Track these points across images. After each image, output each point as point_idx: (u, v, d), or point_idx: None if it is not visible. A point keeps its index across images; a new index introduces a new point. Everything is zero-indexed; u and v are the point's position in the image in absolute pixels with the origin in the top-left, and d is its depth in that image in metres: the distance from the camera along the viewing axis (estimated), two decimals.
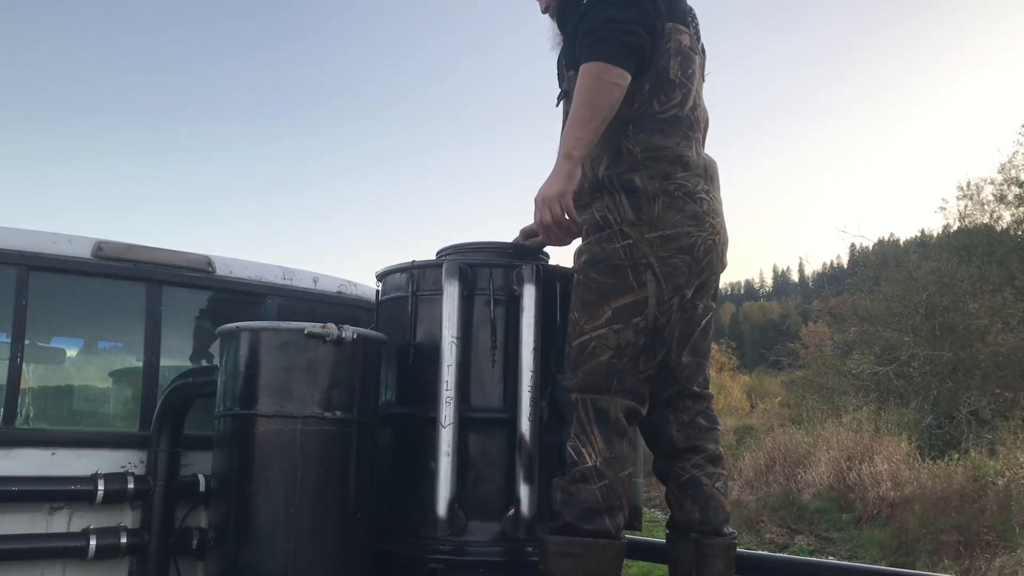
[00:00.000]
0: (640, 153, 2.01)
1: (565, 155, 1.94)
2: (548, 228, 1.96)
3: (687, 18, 2.12)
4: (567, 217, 1.94)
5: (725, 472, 2.14)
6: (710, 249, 2.03)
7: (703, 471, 2.07)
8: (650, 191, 1.98)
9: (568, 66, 2.19)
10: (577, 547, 1.86)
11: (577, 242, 2.10)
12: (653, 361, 2.01)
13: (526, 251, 2.30)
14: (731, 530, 2.08)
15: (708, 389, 2.18)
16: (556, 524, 1.90)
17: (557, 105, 2.29)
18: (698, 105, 2.11)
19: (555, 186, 1.92)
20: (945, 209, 18.59)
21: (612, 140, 2.03)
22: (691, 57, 2.10)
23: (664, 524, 2.16)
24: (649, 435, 2.15)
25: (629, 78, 1.93)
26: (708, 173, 2.07)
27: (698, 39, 2.17)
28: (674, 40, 2.05)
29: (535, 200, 1.96)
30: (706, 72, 2.27)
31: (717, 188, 2.12)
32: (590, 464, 1.91)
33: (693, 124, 2.07)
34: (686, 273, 1.99)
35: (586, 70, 1.92)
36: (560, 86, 2.29)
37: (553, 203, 1.92)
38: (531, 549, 2.06)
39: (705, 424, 2.12)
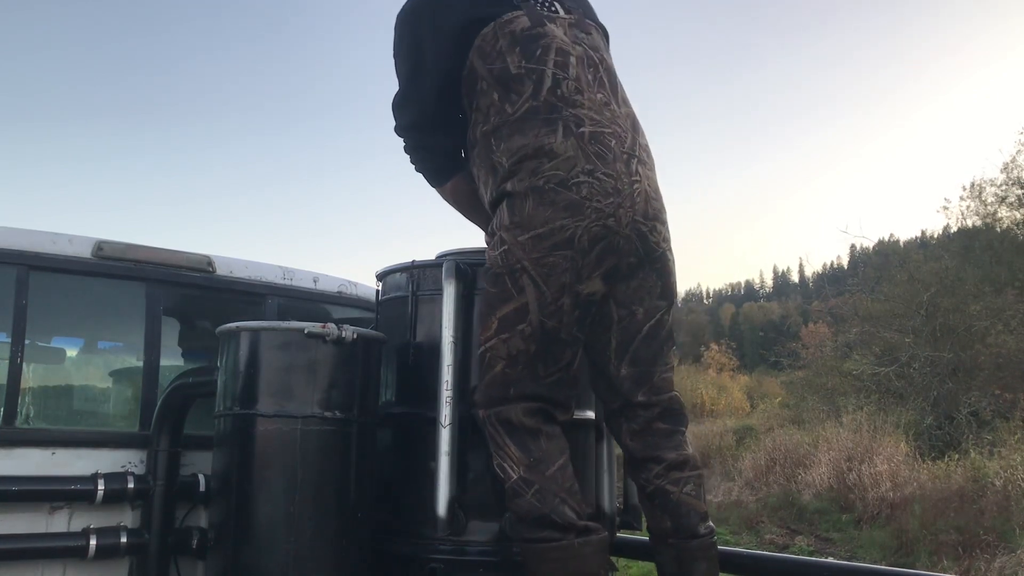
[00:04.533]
0: (507, 162, 1.93)
1: None
2: None
3: None
4: None
5: (695, 472, 2.01)
6: (599, 236, 1.86)
7: (666, 479, 1.98)
8: (520, 191, 1.90)
9: None
10: (555, 551, 1.83)
11: None
12: (556, 366, 1.93)
13: None
14: (708, 527, 2.00)
15: (664, 394, 2.02)
16: (518, 538, 1.90)
17: None
18: (564, 79, 1.94)
19: None
20: (947, 209, 18.59)
21: (485, 161, 2.00)
22: (536, 35, 1.97)
23: None
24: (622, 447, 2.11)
25: (446, 186, 2.18)
26: (589, 151, 1.89)
27: (549, 4, 2.05)
28: (503, 37, 1.96)
29: None
30: (590, 20, 2.13)
31: (615, 160, 1.90)
32: (515, 477, 1.88)
33: (555, 106, 1.91)
34: (571, 269, 1.87)
35: None
36: None
37: None
38: None
39: (664, 428, 2.01)
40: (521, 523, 1.88)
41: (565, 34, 2.01)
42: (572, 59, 1.97)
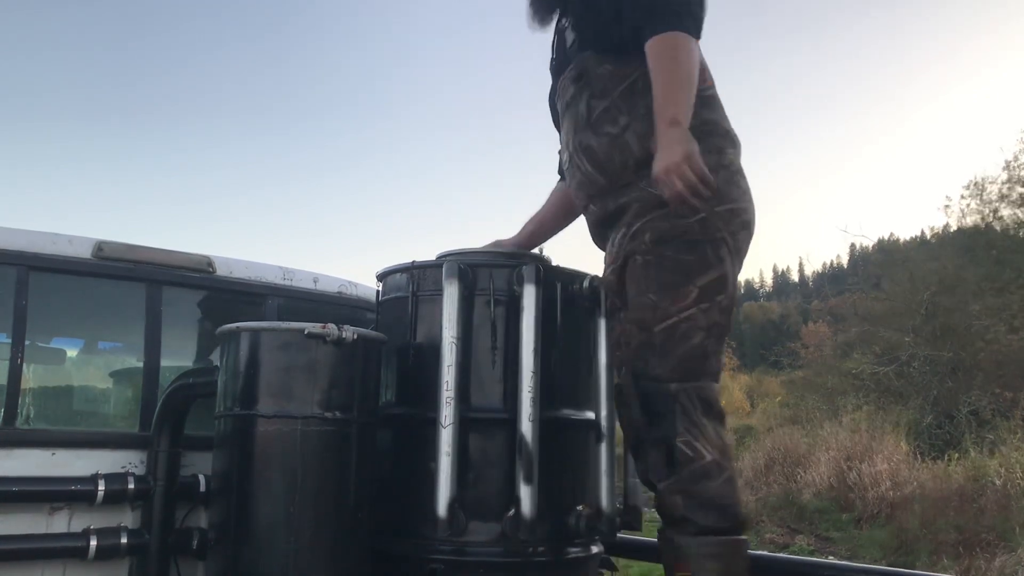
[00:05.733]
0: (694, 128, 1.88)
1: (670, 121, 1.83)
2: (682, 198, 1.80)
3: None
4: (699, 179, 1.79)
5: None
6: (753, 228, 2.01)
7: None
8: (709, 165, 1.85)
9: (593, 41, 2.07)
10: (725, 547, 1.78)
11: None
12: (724, 343, 1.94)
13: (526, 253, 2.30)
14: None
15: None
16: (693, 528, 1.78)
17: (557, 78, 2.15)
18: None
19: (676, 151, 1.79)
20: (948, 208, 18.56)
21: None
22: None
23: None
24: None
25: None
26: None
27: None
28: None
29: (657, 176, 1.81)
30: None
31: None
32: (709, 459, 1.80)
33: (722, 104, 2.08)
34: (744, 249, 1.93)
35: (675, 40, 1.89)
36: (554, 60, 2.19)
37: (682, 169, 1.78)
38: (531, 550, 2.06)
39: None
40: (703, 509, 1.79)
41: None
42: None
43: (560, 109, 2.22)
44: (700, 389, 1.85)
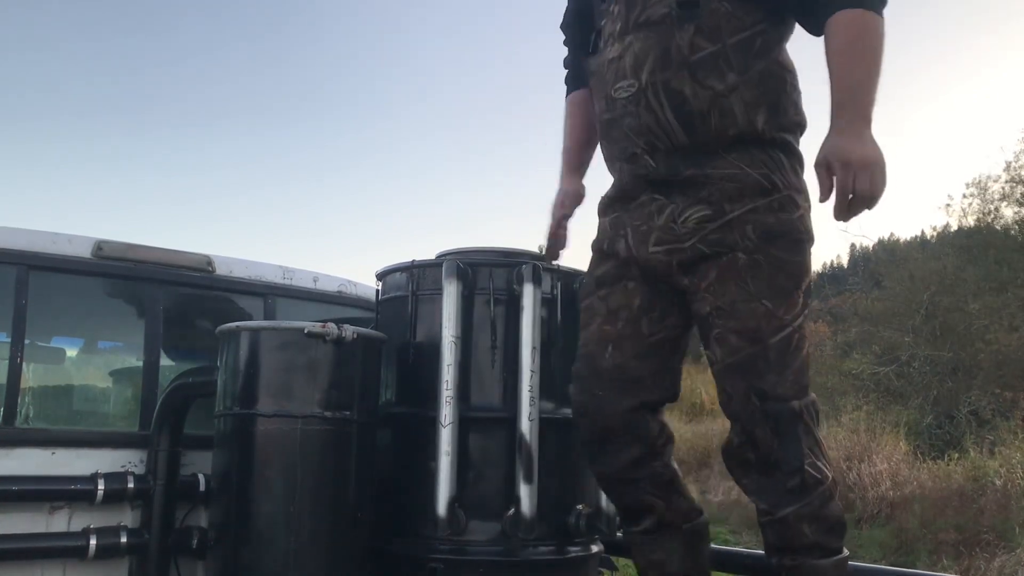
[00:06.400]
0: (794, 114, 1.74)
1: (867, 118, 1.57)
2: (857, 200, 1.53)
3: None
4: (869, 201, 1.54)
5: None
6: None
7: (672, 461, 1.91)
8: (797, 155, 1.73)
9: None
10: (845, 563, 1.72)
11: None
12: None
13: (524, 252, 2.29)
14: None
15: None
16: (820, 553, 1.68)
17: (640, 18, 1.74)
18: None
19: (875, 152, 1.53)
20: (949, 207, 18.55)
21: (773, 89, 1.71)
22: None
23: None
24: (630, 439, 1.84)
25: None
26: None
27: None
28: None
29: (846, 160, 1.52)
30: None
31: None
32: (831, 478, 1.70)
33: None
34: None
35: (876, 23, 1.61)
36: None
37: (877, 173, 1.52)
38: (531, 549, 2.06)
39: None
40: (831, 532, 1.68)
41: None
42: None
43: (628, 19, 1.78)
44: (815, 403, 1.73)
